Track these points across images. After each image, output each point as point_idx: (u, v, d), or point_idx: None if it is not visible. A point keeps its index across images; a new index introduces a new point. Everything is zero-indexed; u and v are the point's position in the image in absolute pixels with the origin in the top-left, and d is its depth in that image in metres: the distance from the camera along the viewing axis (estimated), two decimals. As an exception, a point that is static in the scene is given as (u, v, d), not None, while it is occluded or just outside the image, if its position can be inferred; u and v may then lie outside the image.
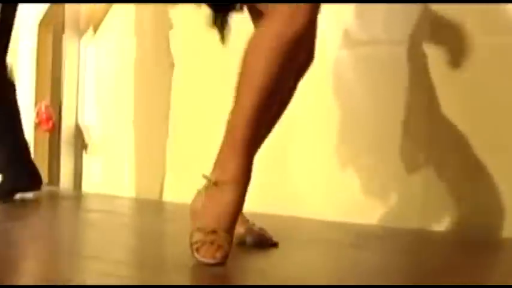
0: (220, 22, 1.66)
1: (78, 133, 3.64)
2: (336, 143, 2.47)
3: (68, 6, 3.69)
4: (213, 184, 1.51)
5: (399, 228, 2.25)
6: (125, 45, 3.42)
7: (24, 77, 3.70)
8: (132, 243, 1.96)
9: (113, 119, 3.46)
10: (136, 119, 3.29)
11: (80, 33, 3.69)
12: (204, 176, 1.53)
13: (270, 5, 1.51)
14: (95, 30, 3.64)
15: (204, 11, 1.66)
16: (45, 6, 3.60)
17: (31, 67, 3.66)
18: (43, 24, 3.65)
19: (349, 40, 2.48)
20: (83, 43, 3.68)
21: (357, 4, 2.46)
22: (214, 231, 1.45)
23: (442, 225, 2.21)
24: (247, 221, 1.77)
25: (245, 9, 1.67)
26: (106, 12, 3.58)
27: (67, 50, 3.71)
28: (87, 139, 3.60)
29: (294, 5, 1.48)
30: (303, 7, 1.48)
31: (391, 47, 2.38)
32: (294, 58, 1.53)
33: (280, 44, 1.47)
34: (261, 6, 1.55)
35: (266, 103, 1.50)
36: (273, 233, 1.78)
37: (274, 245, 1.74)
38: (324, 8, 2.59)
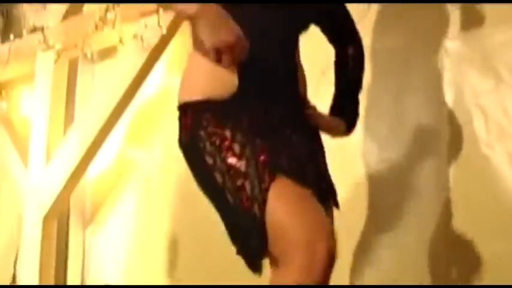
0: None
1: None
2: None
3: (73, 200, 3.78)
4: None
5: None
6: (130, 234, 3.49)
7: (27, 271, 3.70)
8: None
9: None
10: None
11: (85, 225, 3.76)
12: None
13: (289, 256, 1.43)
14: (100, 222, 3.71)
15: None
16: (51, 200, 3.68)
17: (34, 260, 3.66)
18: (48, 217, 3.70)
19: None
20: (87, 234, 3.74)
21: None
22: None
23: None
24: None
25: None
26: (111, 203, 3.67)
27: (71, 242, 3.76)
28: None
29: (310, 254, 1.41)
30: (320, 255, 1.42)
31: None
32: None
33: None
34: (277, 252, 1.46)
35: None
36: None
37: None
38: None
